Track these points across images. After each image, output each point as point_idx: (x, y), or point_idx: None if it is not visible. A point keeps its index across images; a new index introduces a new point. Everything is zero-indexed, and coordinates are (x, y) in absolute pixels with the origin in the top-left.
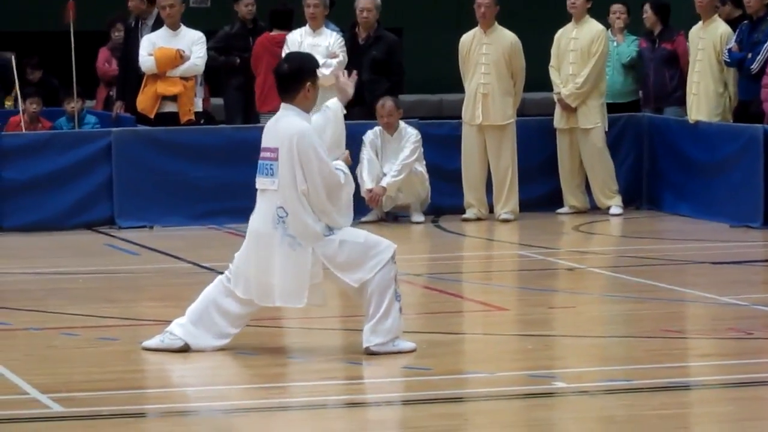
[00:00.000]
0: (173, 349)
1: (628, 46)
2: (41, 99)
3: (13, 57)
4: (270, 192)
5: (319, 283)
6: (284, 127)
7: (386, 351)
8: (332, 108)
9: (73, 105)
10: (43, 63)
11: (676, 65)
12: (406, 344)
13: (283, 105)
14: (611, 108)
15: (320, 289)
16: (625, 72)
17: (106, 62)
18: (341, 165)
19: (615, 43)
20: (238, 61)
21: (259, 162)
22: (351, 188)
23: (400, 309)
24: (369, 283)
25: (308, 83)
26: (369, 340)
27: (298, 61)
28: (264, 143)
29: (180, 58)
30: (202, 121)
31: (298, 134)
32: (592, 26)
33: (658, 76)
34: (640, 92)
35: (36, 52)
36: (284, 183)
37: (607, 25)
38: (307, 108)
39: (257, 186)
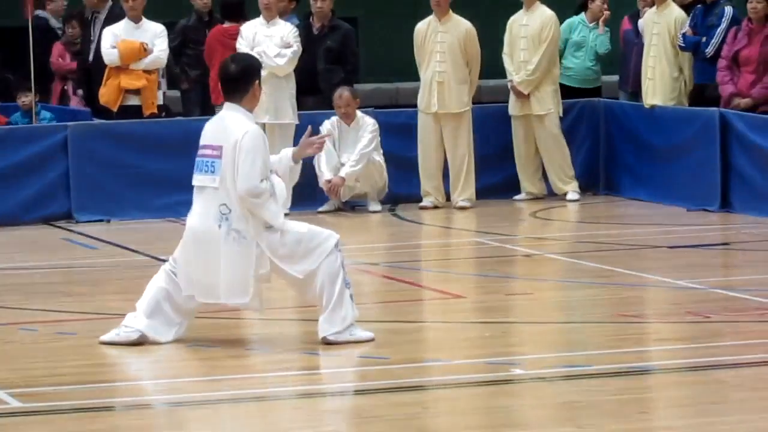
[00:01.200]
0: (129, 342)
1: (607, 36)
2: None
3: None
4: (210, 189)
5: (265, 276)
6: (231, 126)
7: (343, 340)
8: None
9: (24, 99)
10: (2, 55)
11: None
12: (364, 333)
13: (227, 105)
14: (577, 93)
15: (259, 294)
16: (596, 61)
17: (60, 57)
18: (275, 180)
19: (594, 32)
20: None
21: (198, 159)
22: (274, 204)
23: (351, 296)
24: (316, 274)
25: (256, 83)
26: (324, 329)
27: (245, 61)
28: (205, 140)
29: (143, 51)
30: (163, 114)
31: (248, 133)
32: (543, 13)
33: (639, 64)
34: (618, 77)
35: None
36: (227, 180)
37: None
38: (252, 107)
39: (195, 183)
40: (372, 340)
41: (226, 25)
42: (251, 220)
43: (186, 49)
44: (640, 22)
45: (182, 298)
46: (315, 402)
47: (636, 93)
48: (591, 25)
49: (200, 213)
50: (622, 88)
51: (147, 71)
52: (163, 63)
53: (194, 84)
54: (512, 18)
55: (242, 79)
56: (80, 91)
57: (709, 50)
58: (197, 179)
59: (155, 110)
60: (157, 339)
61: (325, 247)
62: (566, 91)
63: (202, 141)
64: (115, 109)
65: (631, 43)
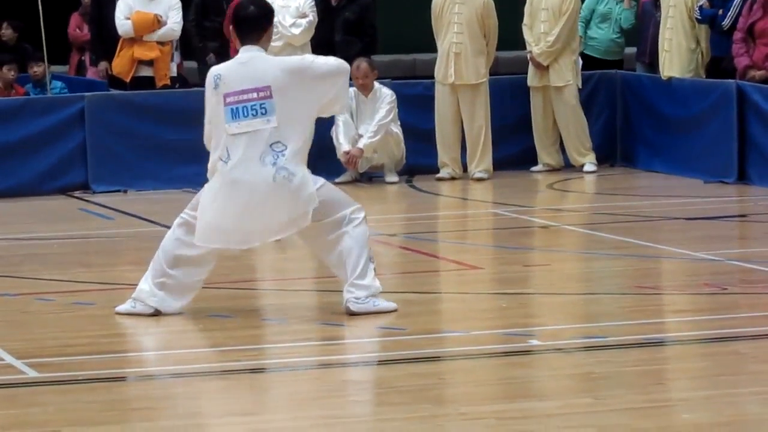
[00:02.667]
0: (145, 315)
1: (632, 12)
2: (17, 65)
3: None
4: (261, 132)
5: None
6: (267, 65)
7: (366, 310)
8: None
9: (36, 69)
10: (17, 25)
11: None
12: (387, 304)
13: (246, 47)
14: (598, 64)
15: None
16: (620, 33)
17: (77, 27)
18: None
19: (620, 7)
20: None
21: (236, 106)
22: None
23: (375, 270)
24: (346, 239)
25: (270, 26)
26: (349, 292)
27: (262, 3)
28: (238, 87)
29: (157, 23)
30: (177, 86)
31: (291, 65)
32: None
33: (658, 31)
34: (636, 48)
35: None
36: (284, 118)
37: None
38: (266, 50)
39: (236, 130)
40: (395, 310)
41: None
42: (302, 158)
43: (205, 21)
44: None
45: (196, 259)
46: (333, 373)
47: (652, 65)
48: (620, 2)
49: (243, 159)
50: (639, 59)
51: (160, 43)
52: (176, 35)
53: (216, 57)
54: None
55: (263, 18)
56: (104, 64)
57: (726, 23)
58: (243, 125)
59: (168, 82)
60: (170, 311)
61: (359, 215)
62: (589, 62)
63: (234, 87)
64: (127, 80)
65: (649, 14)
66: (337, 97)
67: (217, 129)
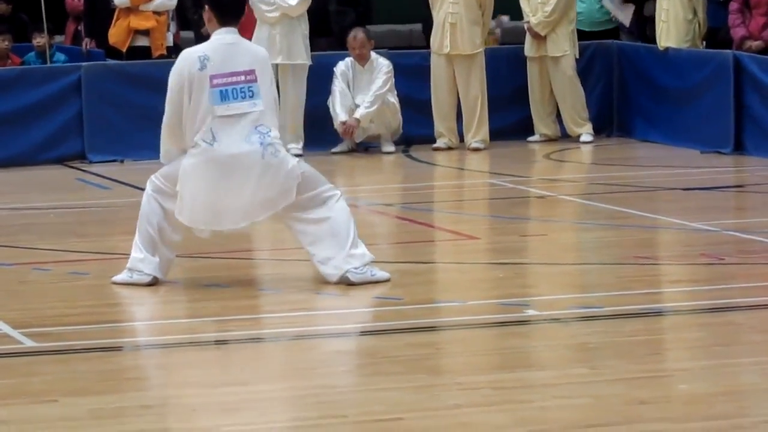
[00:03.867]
0: (142, 284)
1: None
2: (12, 35)
3: None
4: (248, 114)
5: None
6: (252, 49)
7: (364, 280)
8: None
9: (39, 40)
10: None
11: None
12: (382, 273)
13: (228, 29)
14: (588, 36)
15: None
16: (600, 1)
17: None
18: None
19: None
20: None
21: (224, 89)
22: None
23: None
24: (335, 213)
25: (246, 7)
26: (348, 262)
27: None
28: (227, 69)
29: None
30: (173, 56)
31: (265, 54)
32: None
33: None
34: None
35: None
36: (266, 102)
37: None
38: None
39: (227, 113)
40: (388, 280)
41: None
42: (281, 141)
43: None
44: None
45: (171, 232)
46: (328, 342)
47: (634, 33)
48: None
49: (230, 140)
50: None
51: (156, 12)
52: (172, 5)
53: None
54: None
55: (239, 1)
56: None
57: None
58: (233, 108)
59: (164, 51)
60: (163, 277)
61: (335, 191)
62: (580, 36)
63: (222, 69)
64: (124, 50)
65: None
66: None
67: (197, 111)
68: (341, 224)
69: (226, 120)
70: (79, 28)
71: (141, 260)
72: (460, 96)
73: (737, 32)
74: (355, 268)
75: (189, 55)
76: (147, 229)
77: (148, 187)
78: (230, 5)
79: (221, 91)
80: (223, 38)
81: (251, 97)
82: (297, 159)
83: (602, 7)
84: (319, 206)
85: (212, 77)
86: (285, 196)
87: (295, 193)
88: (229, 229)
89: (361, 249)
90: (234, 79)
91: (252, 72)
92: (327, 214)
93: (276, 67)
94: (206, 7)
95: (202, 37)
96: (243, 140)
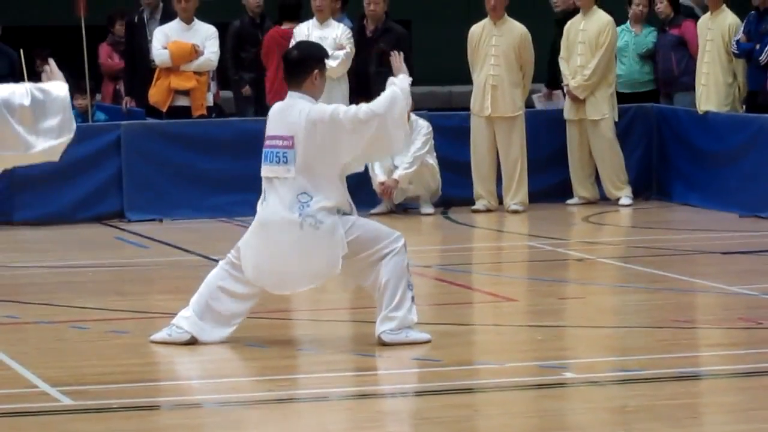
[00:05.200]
0: (181, 342)
1: (646, 37)
2: None
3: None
4: (285, 180)
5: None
6: (298, 114)
7: (398, 341)
8: (398, 84)
9: (81, 102)
10: (54, 55)
11: (684, 51)
12: (420, 335)
13: (290, 93)
14: (629, 98)
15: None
16: (641, 62)
17: (108, 57)
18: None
19: (633, 33)
20: (248, 89)
21: (266, 150)
22: (402, 101)
23: (413, 299)
24: (382, 272)
25: (316, 71)
26: (381, 327)
27: (307, 48)
28: (272, 131)
29: (195, 52)
30: (213, 115)
31: (314, 117)
32: (600, 17)
33: (666, 61)
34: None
35: (47, 44)
36: (303, 168)
37: (627, 15)
38: (315, 96)
39: (265, 174)
40: (429, 341)
41: (284, 26)
42: (330, 207)
43: (240, 51)
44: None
45: (240, 294)
46: (367, 403)
47: (668, 95)
48: (632, 29)
49: (274, 203)
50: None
51: (197, 72)
52: (213, 65)
53: (252, 88)
54: (569, 22)
55: (301, 63)
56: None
57: (763, 58)
58: (268, 170)
59: (204, 111)
60: (207, 340)
61: (395, 246)
62: (620, 98)
63: (269, 131)
64: (164, 110)
65: (658, 47)
66: (373, 144)
67: None
68: (387, 284)
69: (271, 182)
70: (118, 87)
71: (185, 318)
72: (500, 158)
73: None
74: (390, 330)
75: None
76: (204, 292)
77: (221, 261)
78: (289, 70)
79: (265, 153)
80: (284, 101)
81: (285, 162)
82: (350, 223)
83: (642, 66)
84: (373, 266)
85: (266, 137)
86: (329, 269)
87: (340, 266)
88: (275, 292)
89: (402, 311)
90: (273, 142)
91: (290, 138)
92: (378, 276)
93: None
94: None
95: (241, 98)
96: (285, 208)
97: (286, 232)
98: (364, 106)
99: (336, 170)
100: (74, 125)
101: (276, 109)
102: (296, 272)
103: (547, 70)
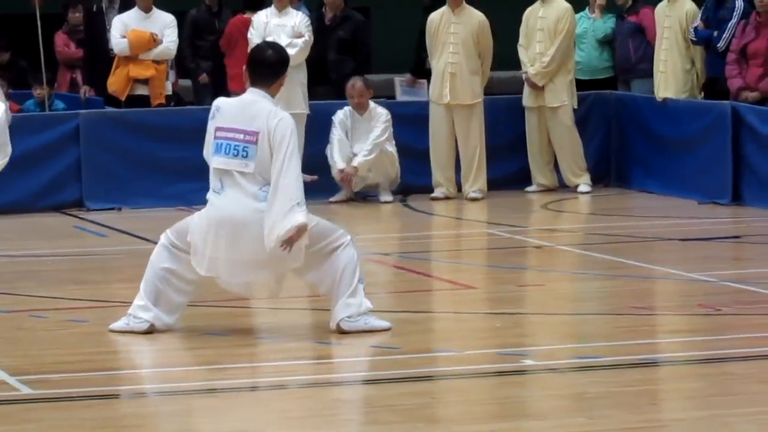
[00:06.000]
0: (140, 332)
1: (605, 23)
2: (7, 82)
3: None
4: (244, 173)
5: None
6: (265, 112)
7: (357, 328)
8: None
9: (39, 91)
10: (11, 45)
11: (641, 38)
12: (380, 322)
13: (253, 90)
14: (588, 85)
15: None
16: (600, 48)
17: (65, 45)
18: None
19: (592, 20)
20: (205, 77)
21: (220, 141)
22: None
23: (364, 290)
24: (338, 261)
25: (284, 74)
26: (339, 314)
27: (281, 51)
28: (229, 124)
29: (153, 41)
30: (172, 104)
31: (280, 127)
32: (559, 5)
33: (623, 48)
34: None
35: (4, 34)
36: (264, 165)
37: (586, 2)
38: (274, 96)
39: (219, 166)
40: (389, 329)
41: (247, 14)
42: None
43: (197, 40)
44: None
45: (186, 272)
46: (325, 391)
47: (626, 82)
48: (592, 15)
49: (236, 195)
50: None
51: (156, 61)
52: (172, 54)
53: (209, 76)
54: (528, 10)
55: (277, 66)
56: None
57: (721, 45)
58: (222, 162)
59: (163, 100)
60: (164, 326)
61: (343, 240)
62: (579, 85)
63: (224, 123)
64: (123, 98)
65: (616, 35)
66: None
67: (207, 159)
68: (344, 274)
69: (231, 175)
70: (74, 75)
71: (141, 307)
72: (459, 146)
73: (734, 83)
74: (349, 317)
75: (214, 103)
76: (152, 278)
77: (161, 239)
78: (262, 67)
79: (218, 144)
80: (244, 97)
81: (244, 157)
82: (308, 216)
83: (602, 54)
84: (327, 260)
85: (217, 128)
86: (293, 257)
87: (303, 255)
88: (239, 282)
89: (359, 299)
90: (231, 135)
91: (254, 134)
92: (333, 267)
93: None
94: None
95: (200, 86)
96: (250, 198)
97: (252, 223)
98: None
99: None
100: (10, 149)
101: (234, 103)
102: (259, 260)
103: (413, 59)
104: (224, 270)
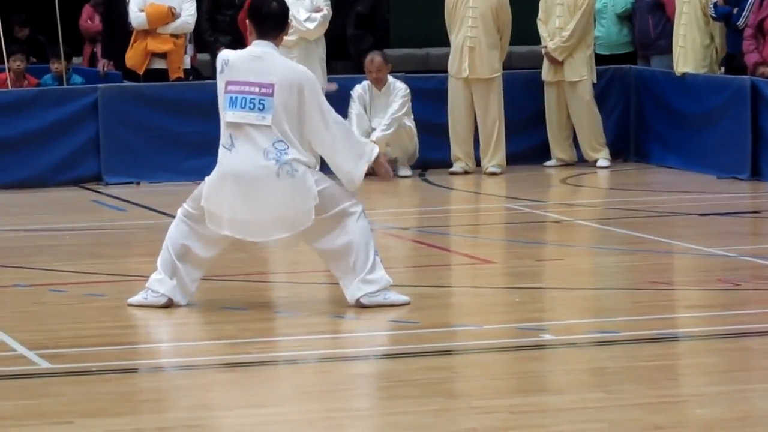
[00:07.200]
0: (158, 306)
1: None
2: (26, 56)
3: None
4: (259, 126)
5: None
6: (280, 64)
7: (376, 303)
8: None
9: (57, 66)
10: (30, 20)
11: (661, 13)
12: (399, 297)
13: (262, 42)
14: (608, 60)
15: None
16: (620, 23)
17: (89, 19)
18: None
19: None
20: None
21: (234, 95)
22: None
23: (381, 262)
24: (351, 233)
25: (288, 25)
26: (360, 289)
27: (283, 3)
28: (242, 77)
29: (171, 15)
30: (190, 78)
31: (301, 81)
32: None
33: (642, 24)
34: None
35: (23, 9)
36: (278, 119)
37: None
38: (278, 47)
39: (234, 120)
40: (408, 303)
41: None
42: (305, 155)
43: (216, 14)
44: None
45: (201, 250)
46: (344, 365)
47: (645, 57)
48: None
49: (247, 151)
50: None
51: (174, 35)
52: (190, 28)
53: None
54: None
55: (282, 18)
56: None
57: (741, 22)
58: (238, 116)
59: (181, 74)
60: (181, 300)
61: (356, 209)
62: (598, 60)
63: (236, 77)
64: (141, 72)
65: (635, 9)
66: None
67: (220, 114)
68: (360, 248)
69: (242, 129)
70: (95, 50)
71: (158, 281)
72: (478, 120)
73: (751, 58)
74: (370, 293)
75: (218, 57)
76: (169, 251)
77: (178, 212)
78: (268, 19)
79: (231, 98)
80: (252, 49)
81: (261, 110)
82: (317, 176)
83: (621, 29)
84: (338, 227)
85: (228, 83)
86: (303, 217)
87: (313, 215)
88: (249, 240)
89: (379, 273)
90: (246, 88)
91: (270, 86)
92: (346, 238)
93: None
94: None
95: None
96: (260, 154)
97: (261, 180)
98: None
99: (300, 135)
100: None
101: (244, 56)
102: (271, 220)
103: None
104: (243, 229)
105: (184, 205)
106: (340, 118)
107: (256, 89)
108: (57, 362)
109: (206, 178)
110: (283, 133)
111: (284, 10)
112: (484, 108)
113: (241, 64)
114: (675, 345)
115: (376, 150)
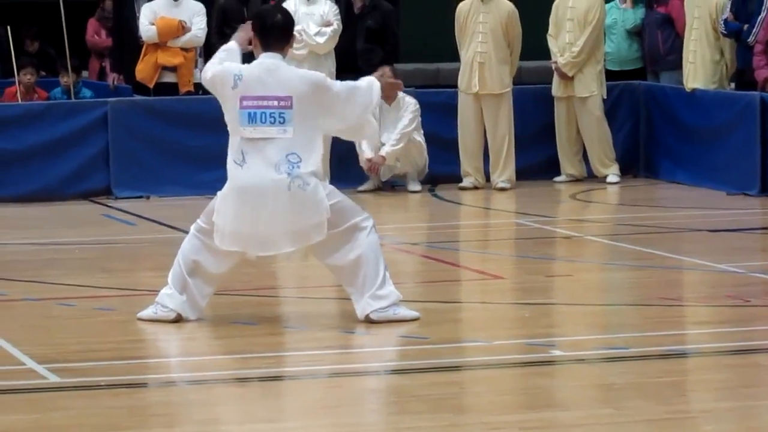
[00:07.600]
0: (167, 320)
1: (634, 13)
2: (35, 69)
3: (8, 30)
4: (273, 140)
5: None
6: (293, 75)
7: (386, 318)
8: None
9: (66, 79)
10: (41, 33)
11: (670, 29)
12: (408, 312)
13: (270, 55)
14: (617, 75)
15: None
16: (630, 38)
17: (95, 33)
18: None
19: (622, 10)
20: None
21: (253, 111)
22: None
23: (390, 277)
24: (362, 247)
25: (293, 35)
26: (370, 305)
27: (287, 14)
28: (260, 92)
29: (182, 29)
30: (200, 92)
31: (318, 83)
32: None
33: (652, 39)
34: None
35: (33, 23)
36: (299, 129)
37: None
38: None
39: (252, 135)
40: (417, 318)
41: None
42: (319, 167)
43: (226, 28)
44: None
45: (212, 265)
46: (354, 381)
47: (654, 73)
48: (622, 5)
49: (258, 166)
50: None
51: (184, 49)
52: (200, 41)
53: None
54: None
55: (288, 29)
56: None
57: (751, 39)
58: (259, 131)
59: (191, 88)
60: (190, 316)
61: (367, 224)
62: (608, 75)
63: (253, 92)
64: (151, 86)
65: (645, 25)
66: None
67: (231, 130)
68: (370, 263)
69: (254, 143)
70: (103, 64)
71: (168, 296)
72: (488, 135)
73: (761, 74)
74: (380, 308)
75: (226, 71)
76: (180, 266)
77: (192, 227)
78: (273, 32)
79: (249, 113)
80: (262, 62)
81: (281, 123)
82: (329, 189)
83: (631, 44)
84: (349, 242)
85: (242, 98)
86: (316, 231)
87: (326, 228)
88: (258, 254)
89: (388, 288)
90: (264, 103)
91: (288, 99)
92: (356, 252)
93: None
94: (252, 32)
95: None
96: (272, 168)
97: (272, 194)
98: (350, 82)
99: (320, 136)
100: None
101: (255, 70)
102: (283, 233)
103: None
104: (246, 243)
105: (198, 220)
106: (345, 83)
107: (275, 102)
108: (66, 376)
109: (218, 193)
110: (300, 145)
111: (288, 22)
112: (493, 123)
113: (255, 77)
114: (684, 361)
115: (377, 86)
